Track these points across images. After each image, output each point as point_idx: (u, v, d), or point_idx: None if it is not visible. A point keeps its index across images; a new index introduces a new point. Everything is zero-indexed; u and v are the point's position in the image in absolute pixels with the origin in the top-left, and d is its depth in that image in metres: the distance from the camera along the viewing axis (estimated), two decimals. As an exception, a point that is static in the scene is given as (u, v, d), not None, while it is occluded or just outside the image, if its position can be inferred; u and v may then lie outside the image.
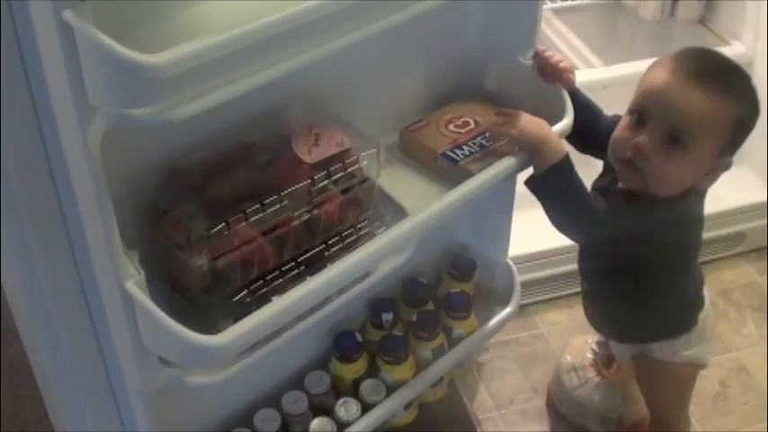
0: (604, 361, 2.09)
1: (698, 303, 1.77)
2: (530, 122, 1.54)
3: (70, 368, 1.44)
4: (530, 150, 1.54)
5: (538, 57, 1.68)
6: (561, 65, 1.65)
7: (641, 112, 1.53)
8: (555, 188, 1.56)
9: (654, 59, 1.60)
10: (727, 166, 1.56)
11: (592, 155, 1.74)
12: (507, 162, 1.57)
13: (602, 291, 1.82)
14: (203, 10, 1.22)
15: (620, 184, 1.63)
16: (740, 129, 1.52)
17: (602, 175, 1.73)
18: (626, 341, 1.88)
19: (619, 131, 1.57)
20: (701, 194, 1.62)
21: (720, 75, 1.52)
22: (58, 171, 1.22)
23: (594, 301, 1.85)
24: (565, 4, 2.31)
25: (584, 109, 1.67)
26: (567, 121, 1.62)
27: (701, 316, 1.77)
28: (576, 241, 1.73)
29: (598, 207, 1.56)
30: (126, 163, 1.29)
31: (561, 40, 2.44)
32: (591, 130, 1.66)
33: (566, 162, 1.53)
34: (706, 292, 1.79)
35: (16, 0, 1.07)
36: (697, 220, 1.66)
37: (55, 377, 1.47)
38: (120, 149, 1.20)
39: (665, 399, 1.91)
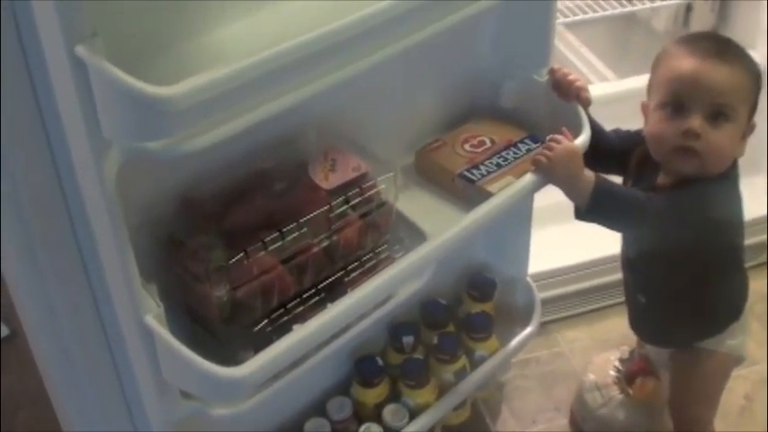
0: (628, 378, 2.07)
1: (745, 293, 1.82)
2: (560, 158, 1.54)
3: (91, 402, 1.44)
4: (560, 187, 1.57)
5: (553, 74, 1.67)
6: (577, 84, 1.65)
7: (677, 102, 1.58)
8: (605, 210, 1.59)
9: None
10: (753, 129, 1.65)
11: (604, 171, 1.73)
12: (525, 181, 1.56)
13: (659, 297, 1.81)
14: (214, 39, 1.22)
15: (660, 180, 1.66)
16: (757, 91, 1.63)
17: (633, 186, 1.74)
18: (683, 346, 1.86)
19: (658, 126, 1.61)
20: (737, 169, 1.67)
21: (730, 47, 1.62)
22: (73, 205, 1.22)
23: (650, 312, 1.85)
24: (577, 18, 2.29)
25: (595, 131, 1.67)
26: (584, 137, 1.61)
27: (747, 305, 1.81)
28: (653, 237, 1.72)
29: (650, 198, 1.60)
30: (141, 194, 1.29)
31: (574, 54, 2.44)
32: (597, 148, 1.66)
33: (600, 184, 1.56)
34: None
35: (28, 35, 1.07)
36: (739, 197, 1.70)
37: (75, 411, 1.46)
38: (135, 181, 1.19)
39: (701, 393, 1.89)
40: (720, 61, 1.56)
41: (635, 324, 1.92)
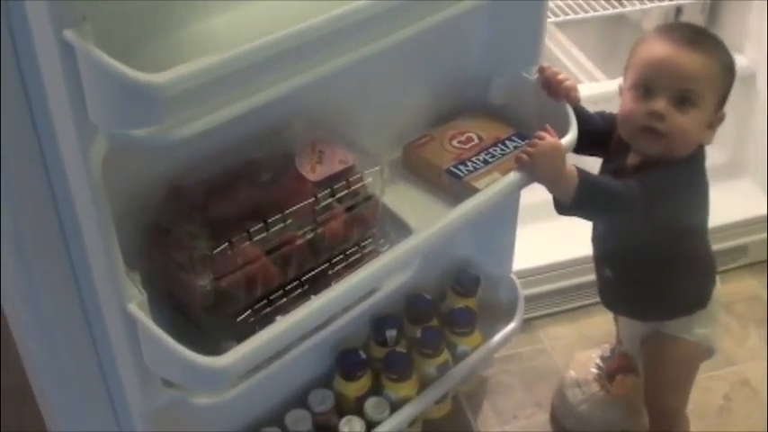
0: (608, 375, 2.08)
1: (712, 280, 1.84)
2: (543, 155, 1.55)
3: (72, 389, 1.43)
4: (543, 183, 1.58)
5: (542, 73, 1.68)
6: (566, 83, 1.66)
7: (647, 84, 1.62)
8: (589, 204, 1.61)
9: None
10: (722, 119, 1.68)
11: (589, 154, 1.77)
12: (511, 177, 1.56)
13: (626, 274, 1.84)
14: (205, 28, 1.22)
15: (629, 160, 1.69)
16: (729, 78, 1.66)
17: (604, 165, 1.78)
18: (648, 319, 1.88)
19: (628, 106, 1.65)
20: (703, 154, 1.70)
21: (704, 37, 1.67)
22: (59, 191, 1.21)
23: (617, 286, 1.87)
24: (567, 17, 2.29)
25: (578, 113, 1.69)
26: (571, 136, 1.62)
27: (714, 294, 1.83)
28: (628, 223, 1.74)
29: (627, 186, 1.62)
30: (127, 182, 1.28)
31: (564, 54, 2.43)
32: (586, 132, 1.68)
33: (583, 180, 1.57)
34: (717, 276, 1.86)
35: (17, 19, 1.06)
36: (705, 183, 1.73)
37: (57, 398, 1.46)
38: (121, 168, 1.20)
39: (671, 382, 1.90)
40: (691, 49, 1.60)
41: (603, 296, 1.95)
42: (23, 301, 1.32)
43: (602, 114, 1.76)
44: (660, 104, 1.59)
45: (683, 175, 1.67)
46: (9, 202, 1.20)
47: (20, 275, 1.28)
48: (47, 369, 1.41)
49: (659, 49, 1.63)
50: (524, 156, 1.55)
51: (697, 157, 1.68)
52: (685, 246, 1.78)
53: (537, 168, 1.55)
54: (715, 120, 1.66)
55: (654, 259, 1.77)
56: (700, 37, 1.65)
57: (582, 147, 1.66)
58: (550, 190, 1.59)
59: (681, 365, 1.89)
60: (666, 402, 1.92)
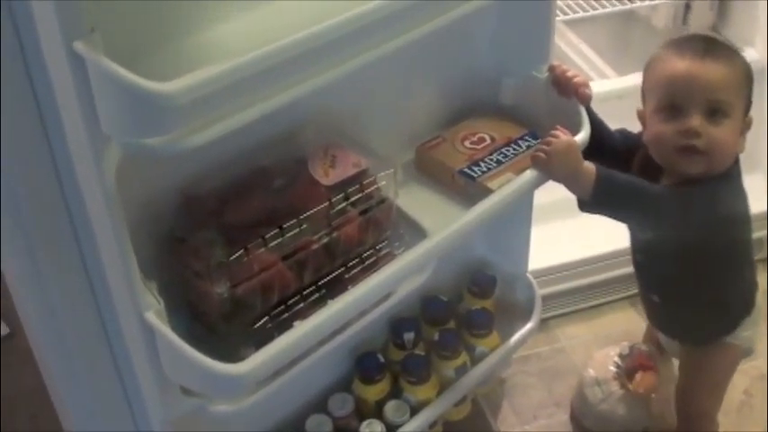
0: (628, 373, 2.07)
1: (755, 285, 1.83)
2: (559, 153, 1.54)
3: (90, 398, 1.44)
4: (561, 182, 1.57)
5: (552, 71, 1.67)
6: (576, 80, 1.65)
7: (674, 103, 1.59)
8: (610, 199, 1.60)
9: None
10: (749, 125, 1.65)
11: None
12: (526, 177, 1.56)
13: (673, 297, 1.82)
14: (211, 36, 1.22)
15: (663, 182, 1.67)
16: (749, 86, 1.64)
17: None
18: (700, 341, 1.87)
19: (658, 127, 1.62)
20: (739, 163, 1.68)
21: (719, 46, 1.65)
22: (72, 202, 1.22)
23: (666, 310, 1.86)
24: (577, 15, 2.29)
25: (595, 125, 1.67)
26: (583, 134, 1.61)
27: (758, 296, 1.82)
28: (659, 229, 1.72)
29: (656, 186, 1.63)
30: (141, 191, 1.28)
31: (574, 52, 2.43)
32: (602, 146, 1.67)
33: (602, 174, 1.56)
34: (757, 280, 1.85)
35: (27, 32, 1.07)
36: (745, 194, 1.71)
37: (75, 408, 1.46)
38: (135, 178, 1.19)
39: (710, 385, 1.90)
40: (710, 59, 1.58)
41: (653, 320, 1.95)
42: (40, 313, 1.32)
43: (622, 132, 1.74)
44: (695, 121, 1.57)
45: (724, 190, 1.65)
46: (23, 214, 1.20)
47: (35, 287, 1.29)
48: (65, 379, 1.42)
49: (678, 65, 1.60)
50: (541, 155, 1.54)
51: (734, 171, 1.66)
52: (730, 259, 1.76)
53: (554, 167, 1.55)
54: (745, 125, 1.64)
55: (699, 277, 1.75)
56: (714, 46, 1.63)
57: (598, 162, 1.65)
58: (569, 188, 1.58)
59: (722, 370, 1.88)
60: (702, 406, 1.92)
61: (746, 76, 1.62)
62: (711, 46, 1.62)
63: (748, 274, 1.82)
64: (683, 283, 1.77)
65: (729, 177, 1.65)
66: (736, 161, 1.67)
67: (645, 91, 1.67)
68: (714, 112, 1.57)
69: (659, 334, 2.02)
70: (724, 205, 1.66)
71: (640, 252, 1.81)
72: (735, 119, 1.59)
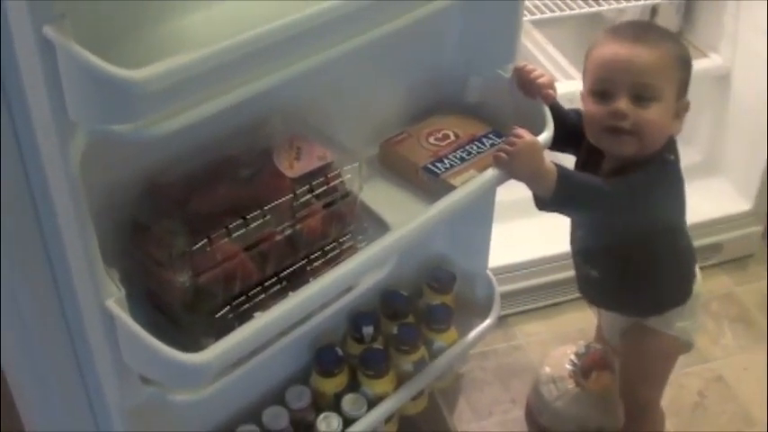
0: (583, 371, 2.08)
1: (693, 274, 1.86)
2: (521, 154, 1.56)
3: (49, 385, 1.43)
4: (522, 181, 1.59)
5: (518, 72, 1.68)
6: (541, 80, 1.66)
7: (604, 86, 1.65)
8: (569, 199, 1.62)
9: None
10: (686, 107, 1.70)
11: (562, 151, 1.79)
12: (488, 175, 1.57)
13: (611, 272, 1.84)
14: (182, 25, 1.22)
15: (605, 165, 1.71)
16: (685, 66, 1.68)
17: (577, 167, 1.79)
18: (632, 314, 1.90)
19: (590, 109, 1.68)
20: (673, 143, 1.72)
21: (651, 32, 1.71)
22: (36, 187, 1.21)
23: (602, 284, 1.88)
24: (544, 16, 2.30)
25: (553, 109, 1.71)
26: (546, 135, 1.63)
27: (695, 289, 1.85)
28: (610, 220, 1.76)
29: (608, 183, 1.64)
30: (105, 178, 1.28)
31: (540, 52, 2.44)
32: (560, 128, 1.69)
33: (563, 175, 1.58)
34: (698, 269, 1.87)
35: (-5, 16, 1.06)
36: (681, 178, 1.74)
37: (34, 396, 1.45)
38: (99, 164, 1.19)
39: (648, 374, 1.94)
40: (639, 44, 1.63)
41: (587, 294, 1.97)
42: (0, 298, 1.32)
43: (577, 111, 1.77)
44: (620, 103, 1.62)
45: (661, 172, 1.68)
46: (-16, 197, 1.20)
47: (-4, 272, 1.28)
48: (24, 366, 1.41)
49: (609, 49, 1.65)
50: (503, 155, 1.55)
51: (670, 151, 1.70)
52: (668, 241, 1.80)
53: (516, 166, 1.56)
54: (679, 108, 1.68)
55: (638, 257, 1.78)
56: (646, 32, 1.69)
57: (556, 143, 1.67)
58: (530, 187, 1.60)
59: (659, 358, 1.92)
60: (642, 395, 1.96)
61: (679, 60, 1.66)
62: (643, 32, 1.68)
63: (685, 261, 1.86)
64: (622, 259, 1.80)
65: (666, 161, 1.69)
66: (673, 144, 1.71)
67: (584, 72, 1.73)
68: (641, 95, 1.62)
69: (600, 320, 2.07)
70: (661, 186, 1.69)
71: (582, 228, 1.84)
72: (664, 102, 1.63)
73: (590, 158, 1.74)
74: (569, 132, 1.72)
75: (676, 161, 1.71)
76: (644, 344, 1.89)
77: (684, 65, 1.67)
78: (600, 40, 1.70)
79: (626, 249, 1.77)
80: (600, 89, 1.65)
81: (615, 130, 1.63)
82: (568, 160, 1.76)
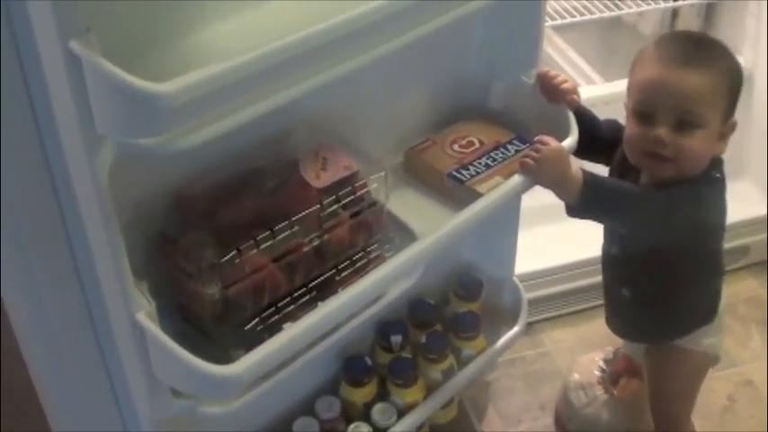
0: (612, 378, 2.08)
1: (720, 294, 1.83)
2: (547, 160, 1.55)
3: (79, 400, 1.43)
4: (548, 188, 1.58)
5: (541, 77, 1.68)
6: (564, 86, 1.66)
7: (646, 109, 1.59)
8: (597, 205, 1.61)
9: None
10: (733, 128, 1.65)
11: (591, 160, 1.76)
12: (514, 182, 1.56)
13: (645, 292, 1.81)
14: (206, 37, 1.22)
15: (642, 180, 1.68)
16: (734, 90, 1.62)
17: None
18: (655, 340, 1.88)
19: (631, 130, 1.63)
20: (720, 162, 1.68)
21: (701, 51, 1.62)
22: (65, 202, 1.21)
23: (633, 305, 1.85)
24: (565, 21, 2.30)
25: (583, 116, 1.70)
26: (571, 140, 1.62)
27: (721, 306, 1.83)
28: (643, 230, 1.73)
29: (644, 189, 1.64)
30: (133, 191, 1.28)
31: (561, 57, 2.44)
32: (591, 137, 1.69)
33: (589, 180, 1.56)
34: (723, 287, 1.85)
35: (22, 31, 1.06)
36: (724, 197, 1.71)
37: (64, 408, 1.45)
38: (127, 178, 1.19)
39: (678, 391, 1.91)
40: (687, 68, 1.56)
41: (611, 319, 1.94)
42: (30, 313, 1.32)
43: (610, 123, 1.75)
44: (661, 131, 1.57)
45: (706, 190, 1.65)
46: (14, 212, 1.20)
47: (26, 286, 1.28)
48: (54, 380, 1.41)
49: (654, 71, 1.59)
50: (529, 161, 1.55)
51: (716, 169, 1.66)
52: (703, 260, 1.78)
53: (542, 173, 1.55)
54: (726, 129, 1.63)
55: (672, 273, 1.76)
56: (696, 51, 1.61)
57: (585, 151, 1.66)
58: (557, 193, 1.59)
59: (687, 375, 1.89)
60: (672, 409, 1.93)
61: (728, 82, 1.60)
62: (691, 52, 1.60)
63: (715, 281, 1.82)
64: (656, 279, 1.78)
65: (711, 180, 1.65)
66: (719, 165, 1.67)
67: (629, 86, 1.67)
68: (684, 122, 1.57)
69: (626, 343, 2.04)
70: (705, 207, 1.67)
71: (617, 245, 1.81)
72: (708, 129, 1.58)
73: (626, 171, 1.70)
74: (601, 142, 1.71)
75: (722, 180, 1.67)
76: (671, 362, 1.86)
77: (734, 86, 1.62)
78: (646, 55, 1.64)
79: (660, 265, 1.75)
80: (642, 110, 1.60)
81: (654, 155, 1.59)
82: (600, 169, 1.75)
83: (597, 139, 1.70)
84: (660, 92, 1.57)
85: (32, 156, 1.16)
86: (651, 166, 1.63)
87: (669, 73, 1.57)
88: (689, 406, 1.94)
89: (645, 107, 1.59)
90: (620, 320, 1.92)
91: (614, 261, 1.83)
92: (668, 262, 1.74)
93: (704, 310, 1.81)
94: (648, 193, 1.63)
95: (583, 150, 1.66)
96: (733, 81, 1.61)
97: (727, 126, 1.63)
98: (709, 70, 1.57)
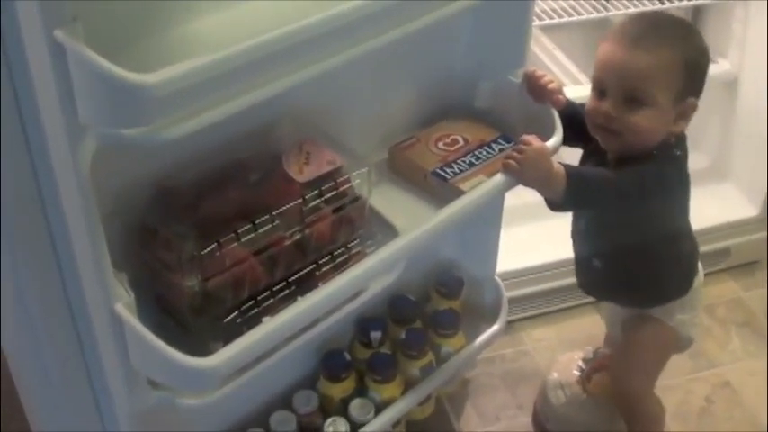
0: (587, 375, 2.08)
1: (694, 267, 1.87)
2: (530, 161, 1.55)
3: (57, 390, 1.43)
4: (532, 187, 1.59)
5: (527, 77, 1.69)
6: (551, 86, 1.67)
7: (600, 85, 1.66)
8: (581, 198, 1.64)
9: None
10: (693, 108, 1.68)
11: (573, 145, 1.78)
12: (497, 180, 1.56)
13: (615, 263, 1.85)
14: (193, 29, 1.22)
15: (609, 156, 1.72)
16: (691, 71, 1.65)
17: (584, 157, 1.81)
18: (633, 305, 1.91)
19: (589, 105, 1.69)
20: (681, 139, 1.72)
21: (655, 30, 1.66)
22: (47, 191, 1.21)
23: (605, 275, 1.88)
24: (552, 21, 2.30)
25: (572, 107, 1.72)
26: (555, 140, 1.63)
27: (696, 282, 1.86)
28: (620, 211, 1.76)
29: (616, 174, 1.65)
30: (114, 182, 1.28)
31: (548, 57, 2.44)
32: (570, 120, 1.70)
33: (572, 176, 1.58)
34: (700, 265, 1.88)
35: (6, 19, 1.06)
36: (685, 172, 1.74)
37: (41, 399, 1.45)
38: (109, 168, 1.18)
39: (640, 363, 1.92)
40: (636, 48, 1.61)
41: (586, 285, 1.96)
42: (9, 301, 1.31)
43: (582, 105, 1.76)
44: (607, 105, 1.63)
45: (668, 166, 1.69)
46: (-5, 201, 1.19)
47: (5, 275, 1.28)
48: (31, 370, 1.40)
49: (608, 49, 1.65)
50: (512, 162, 1.55)
51: (678, 147, 1.70)
52: (672, 234, 1.81)
53: (525, 174, 1.55)
54: (685, 108, 1.66)
55: (642, 247, 1.79)
56: (651, 31, 1.65)
57: (574, 139, 1.70)
58: (540, 192, 1.60)
59: (655, 348, 1.91)
60: (630, 383, 1.94)
61: (680, 64, 1.63)
62: (645, 33, 1.64)
63: (685, 251, 1.85)
64: (624, 250, 1.80)
65: (672, 158, 1.69)
66: (682, 140, 1.71)
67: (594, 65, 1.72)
68: (631, 99, 1.62)
69: (602, 316, 2.07)
70: (669, 183, 1.70)
71: (584, 219, 1.84)
72: (657, 107, 1.62)
73: (597, 150, 1.74)
74: (577, 126, 1.71)
75: (684, 157, 1.71)
76: (642, 330, 1.88)
77: (692, 66, 1.65)
78: (609, 33, 1.69)
79: (630, 239, 1.78)
80: (597, 86, 1.67)
81: (603, 128, 1.65)
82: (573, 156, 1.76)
83: (573, 122, 1.71)
84: (610, 69, 1.63)
85: (14, 144, 1.16)
86: (601, 138, 1.68)
87: (619, 51, 1.62)
88: (646, 384, 1.95)
89: (598, 84, 1.66)
90: (591, 285, 1.96)
91: (582, 235, 1.86)
92: (635, 233, 1.77)
93: (676, 281, 1.84)
94: (621, 176, 1.65)
95: (574, 139, 1.70)
96: (691, 62, 1.65)
97: (685, 105, 1.66)
98: (659, 50, 1.62)
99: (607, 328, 2.06)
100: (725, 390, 2.27)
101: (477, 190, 1.55)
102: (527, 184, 1.57)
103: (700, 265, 1.88)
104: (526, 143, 1.56)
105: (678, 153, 1.70)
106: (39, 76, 1.08)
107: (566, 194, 1.57)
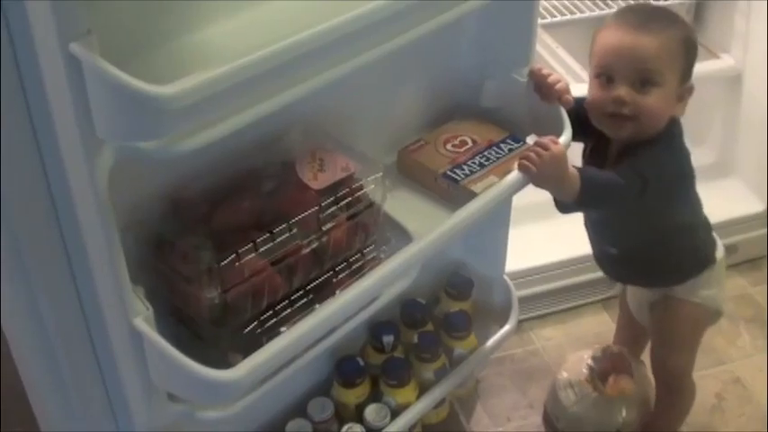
0: (601, 376, 2.08)
1: (711, 241, 1.91)
2: (549, 165, 1.55)
3: (74, 405, 1.41)
4: (547, 189, 1.61)
5: (534, 76, 1.68)
6: (558, 86, 1.67)
7: (607, 72, 1.68)
8: (594, 200, 1.68)
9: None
10: (691, 91, 1.74)
11: (575, 140, 1.74)
12: (509, 181, 1.56)
13: (630, 249, 1.87)
14: (207, 36, 1.20)
15: (612, 149, 1.74)
16: (689, 50, 1.71)
17: (588, 153, 1.82)
18: (655, 286, 1.93)
19: (593, 94, 1.72)
20: (679, 127, 1.77)
21: (655, 15, 1.74)
22: (62, 207, 1.20)
23: (622, 261, 1.91)
24: (555, 19, 2.30)
25: (576, 103, 1.72)
26: (564, 138, 1.62)
27: (718, 255, 1.89)
28: (630, 206, 1.77)
29: (623, 174, 1.66)
30: (129, 194, 1.27)
31: (551, 55, 2.43)
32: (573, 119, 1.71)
33: (586, 179, 1.59)
34: (717, 238, 1.92)
35: (19, 33, 1.04)
36: (687, 152, 1.78)
37: (58, 416, 1.43)
38: (124, 181, 1.17)
39: (678, 341, 1.94)
40: (643, 31, 1.65)
41: (607, 270, 1.99)
42: (23, 318, 1.29)
43: (582, 99, 1.77)
44: (622, 91, 1.65)
45: (666, 151, 1.72)
46: (10, 216, 1.18)
47: (21, 291, 1.26)
48: (47, 386, 1.39)
49: (614, 35, 1.68)
50: (531, 166, 1.54)
51: (673, 131, 1.73)
52: (681, 213, 1.83)
53: (542, 176, 1.56)
54: (684, 92, 1.71)
55: (655, 231, 1.82)
56: (651, 18, 1.70)
57: (581, 134, 1.70)
58: (554, 194, 1.62)
59: (688, 326, 1.93)
60: (673, 362, 1.97)
61: (683, 45, 1.69)
62: (647, 18, 1.69)
63: (701, 228, 1.88)
64: (639, 234, 1.83)
65: (669, 139, 1.72)
66: (676, 123, 1.74)
67: (590, 56, 1.74)
68: (643, 81, 1.65)
69: (629, 303, 2.08)
70: (668, 163, 1.73)
71: (596, 211, 1.86)
72: (665, 87, 1.66)
73: (598, 143, 1.76)
74: (577, 121, 1.71)
75: (678, 137, 1.75)
76: (670, 312, 1.90)
77: (688, 49, 1.70)
78: (606, 24, 1.72)
79: (644, 225, 1.80)
80: (603, 74, 1.68)
81: (615, 116, 1.67)
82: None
83: (573, 117, 1.72)
84: (619, 54, 1.66)
85: (30, 158, 1.14)
86: (613, 126, 1.70)
87: (627, 36, 1.66)
88: (689, 360, 1.97)
89: (605, 70, 1.68)
90: (612, 270, 1.98)
91: (596, 224, 1.88)
92: (646, 217, 1.78)
93: (695, 257, 1.87)
94: (622, 175, 1.66)
95: (576, 133, 1.68)
96: (687, 46, 1.70)
97: (684, 88, 1.72)
98: (663, 34, 1.66)
99: (634, 314, 2.07)
100: (735, 386, 2.27)
101: (490, 191, 1.54)
102: (542, 186, 1.58)
103: (719, 240, 1.91)
104: (544, 147, 1.55)
105: (673, 134, 1.73)
106: (53, 91, 1.07)
107: (579, 197, 1.59)
